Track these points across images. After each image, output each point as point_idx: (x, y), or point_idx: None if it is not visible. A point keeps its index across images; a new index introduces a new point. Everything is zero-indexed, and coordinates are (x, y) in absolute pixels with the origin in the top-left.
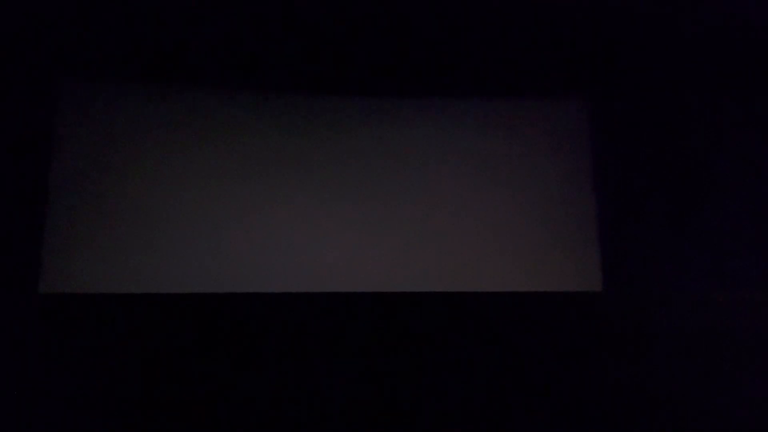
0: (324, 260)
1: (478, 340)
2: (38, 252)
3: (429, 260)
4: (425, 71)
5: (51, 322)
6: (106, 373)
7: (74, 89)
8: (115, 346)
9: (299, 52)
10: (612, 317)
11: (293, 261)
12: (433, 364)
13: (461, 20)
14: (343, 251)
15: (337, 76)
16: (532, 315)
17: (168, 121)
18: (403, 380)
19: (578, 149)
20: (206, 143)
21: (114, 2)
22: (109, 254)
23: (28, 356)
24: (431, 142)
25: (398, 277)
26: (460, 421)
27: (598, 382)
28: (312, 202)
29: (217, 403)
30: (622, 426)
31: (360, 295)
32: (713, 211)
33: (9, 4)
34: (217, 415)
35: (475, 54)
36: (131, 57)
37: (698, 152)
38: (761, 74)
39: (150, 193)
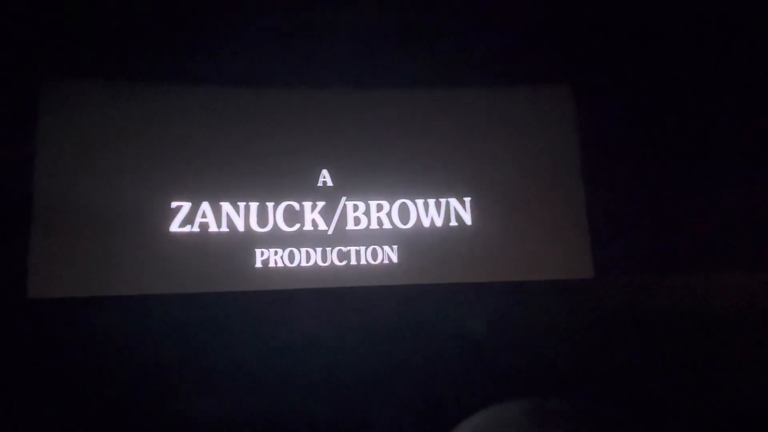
0: (318, 257)
1: (487, 325)
2: (25, 257)
3: (432, 254)
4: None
5: (41, 326)
6: (97, 374)
7: (56, 92)
8: (106, 347)
9: (287, 49)
10: (603, 301)
11: (283, 264)
12: (444, 349)
13: (451, 16)
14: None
15: (336, 70)
16: (532, 302)
17: (152, 122)
18: (415, 365)
19: (566, 143)
20: (190, 143)
21: (96, 5)
22: (94, 258)
23: (21, 358)
24: (420, 133)
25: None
26: (466, 400)
27: (594, 363)
28: (303, 202)
29: (208, 402)
30: (618, 402)
31: (359, 289)
32: (696, 194)
33: None
34: (208, 414)
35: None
36: (115, 59)
37: (680, 138)
38: (738, 57)
39: (133, 196)
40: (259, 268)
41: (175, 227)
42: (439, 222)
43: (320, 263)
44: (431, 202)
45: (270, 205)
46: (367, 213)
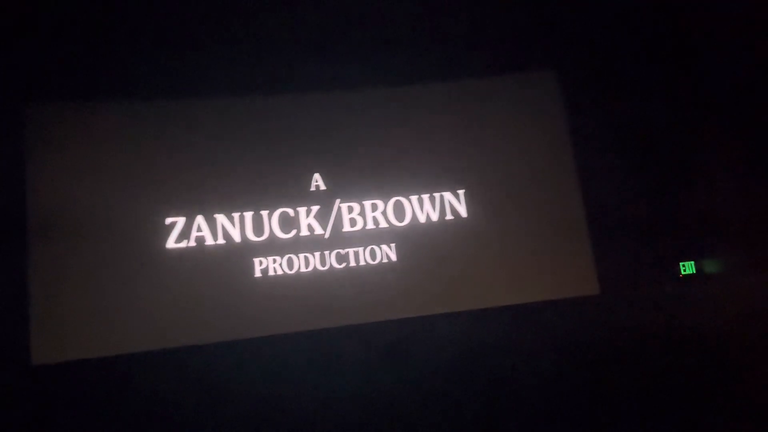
0: (317, 262)
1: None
2: (27, 325)
3: (431, 249)
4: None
5: (46, 391)
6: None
7: (41, 120)
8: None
9: (268, 56)
10: (610, 317)
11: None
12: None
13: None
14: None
15: (320, 74)
16: (542, 321)
17: (137, 141)
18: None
19: (556, 127)
20: (179, 159)
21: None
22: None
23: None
24: (409, 130)
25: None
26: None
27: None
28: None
29: None
30: (629, 416)
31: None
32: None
33: None
34: None
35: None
36: (93, 81)
37: (671, 132)
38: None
39: (126, 216)
40: (258, 278)
41: (171, 243)
42: (435, 216)
43: (319, 267)
44: (425, 197)
45: (265, 213)
46: (362, 213)
